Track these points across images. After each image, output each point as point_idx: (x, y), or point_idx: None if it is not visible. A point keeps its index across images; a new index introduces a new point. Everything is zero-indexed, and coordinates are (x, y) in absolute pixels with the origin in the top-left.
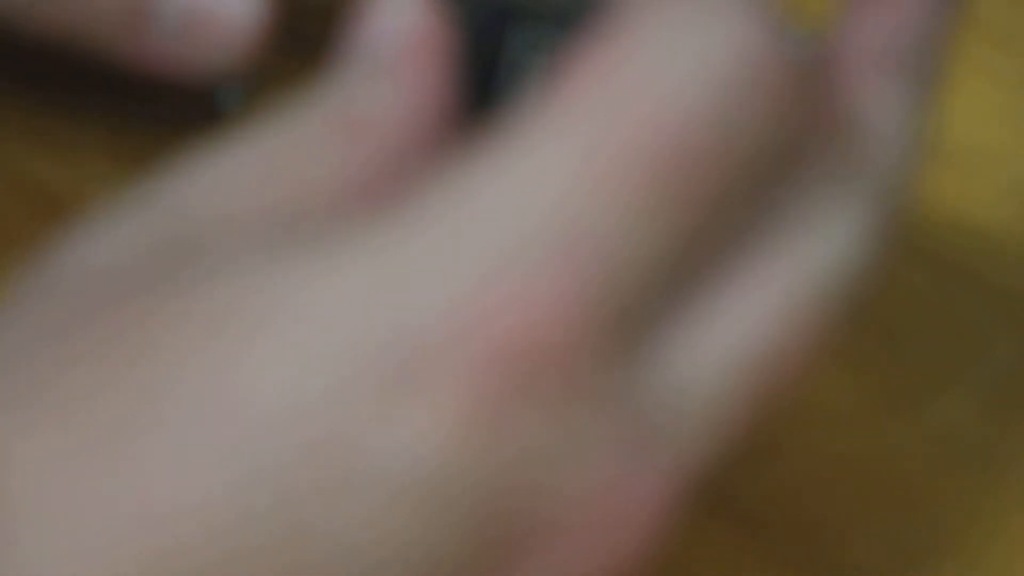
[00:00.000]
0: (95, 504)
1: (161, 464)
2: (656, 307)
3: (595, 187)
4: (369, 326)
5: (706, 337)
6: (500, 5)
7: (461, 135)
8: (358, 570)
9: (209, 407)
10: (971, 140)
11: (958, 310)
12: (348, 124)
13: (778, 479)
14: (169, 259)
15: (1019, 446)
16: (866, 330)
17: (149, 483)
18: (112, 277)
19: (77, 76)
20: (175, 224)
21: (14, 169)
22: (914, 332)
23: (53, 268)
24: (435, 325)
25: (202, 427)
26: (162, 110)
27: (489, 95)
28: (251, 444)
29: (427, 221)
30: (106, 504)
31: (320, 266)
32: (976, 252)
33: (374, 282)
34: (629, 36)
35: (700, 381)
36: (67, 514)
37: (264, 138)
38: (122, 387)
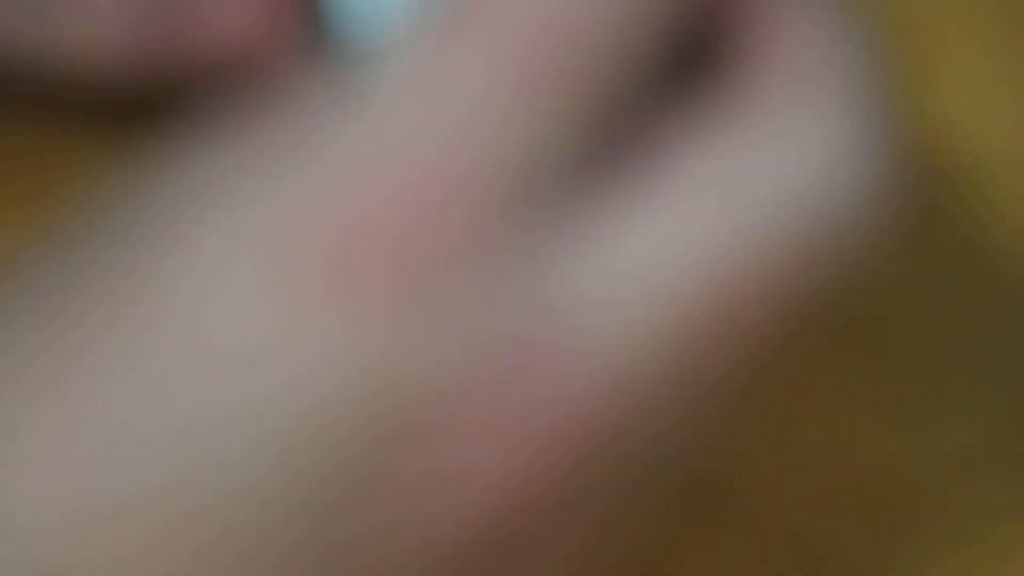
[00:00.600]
0: (79, 442)
1: (135, 412)
2: (566, 187)
3: (494, 76)
4: (280, 253)
5: (634, 236)
6: None
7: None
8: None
9: (178, 358)
10: (974, 145)
11: (958, 317)
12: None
13: (774, 485)
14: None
15: (1019, 452)
16: (864, 334)
17: (126, 427)
18: (91, 252)
19: None
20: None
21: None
22: (912, 338)
23: (48, 246)
24: (329, 225)
25: (173, 375)
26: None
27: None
28: (223, 387)
29: (323, 136)
30: (88, 442)
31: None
32: (977, 259)
33: (290, 200)
34: None
35: (629, 283)
36: (55, 448)
37: None
38: (103, 344)
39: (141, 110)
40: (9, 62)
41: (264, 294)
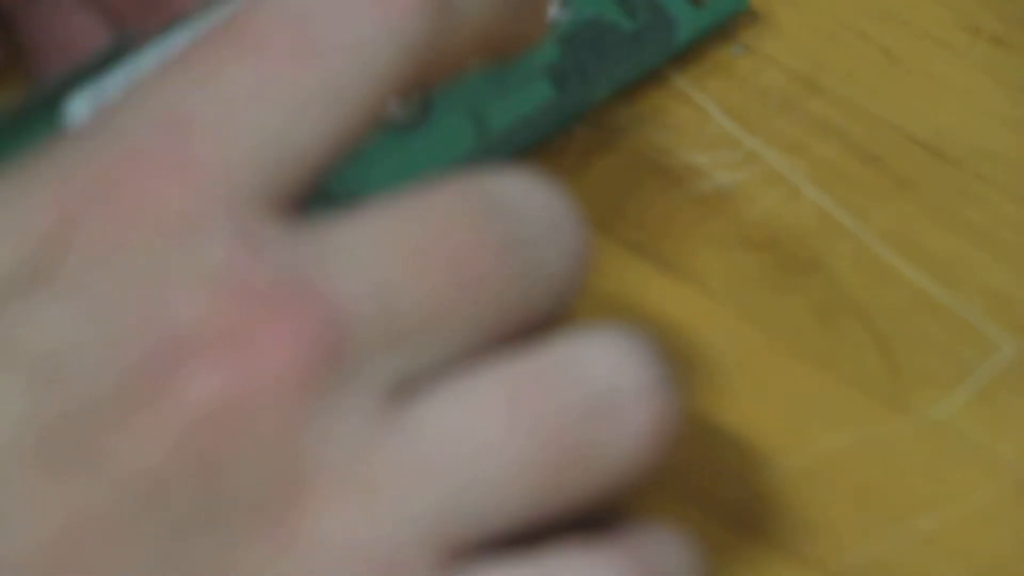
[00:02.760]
0: None
1: None
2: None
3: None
4: None
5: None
6: None
7: None
8: None
9: None
10: (973, 142)
11: (958, 309)
12: None
13: (774, 479)
14: None
15: (1020, 447)
16: (865, 330)
17: None
18: None
19: None
20: None
21: None
22: (914, 331)
23: None
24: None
25: None
26: None
27: None
28: None
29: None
30: None
31: None
32: (976, 251)
33: None
34: None
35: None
36: None
37: None
38: None
39: None
40: None
41: None
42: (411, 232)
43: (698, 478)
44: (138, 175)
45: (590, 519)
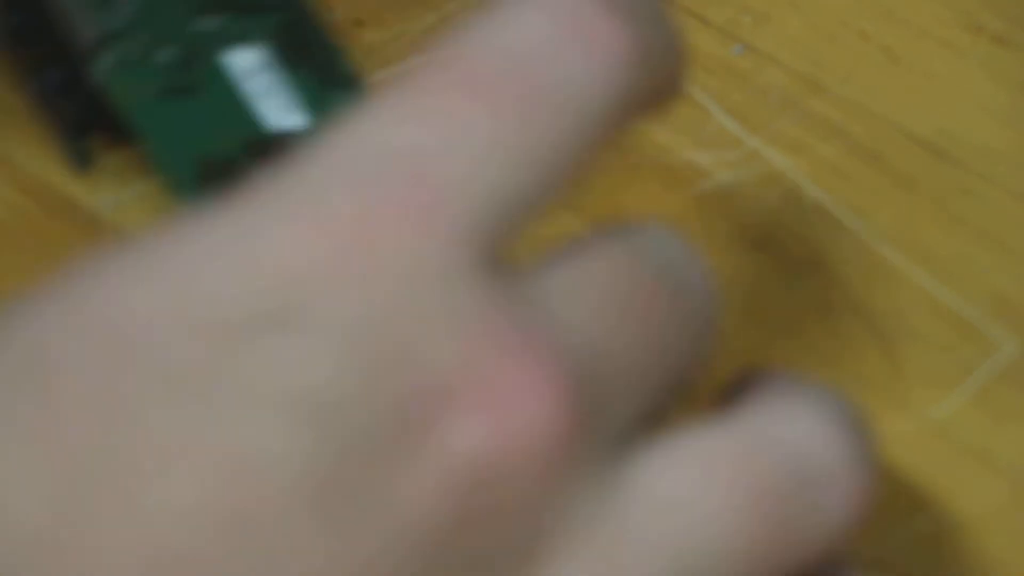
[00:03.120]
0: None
1: None
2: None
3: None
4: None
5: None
6: None
7: None
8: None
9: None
10: (974, 141)
11: (959, 309)
12: None
13: None
14: None
15: (1020, 447)
16: (866, 329)
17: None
18: None
19: None
20: None
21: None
22: (914, 331)
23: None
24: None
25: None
26: None
27: None
28: None
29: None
30: None
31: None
32: (978, 251)
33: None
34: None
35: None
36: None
37: None
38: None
39: None
40: None
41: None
42: (607, 287)
43: None
44: (380, 221)
45: None
